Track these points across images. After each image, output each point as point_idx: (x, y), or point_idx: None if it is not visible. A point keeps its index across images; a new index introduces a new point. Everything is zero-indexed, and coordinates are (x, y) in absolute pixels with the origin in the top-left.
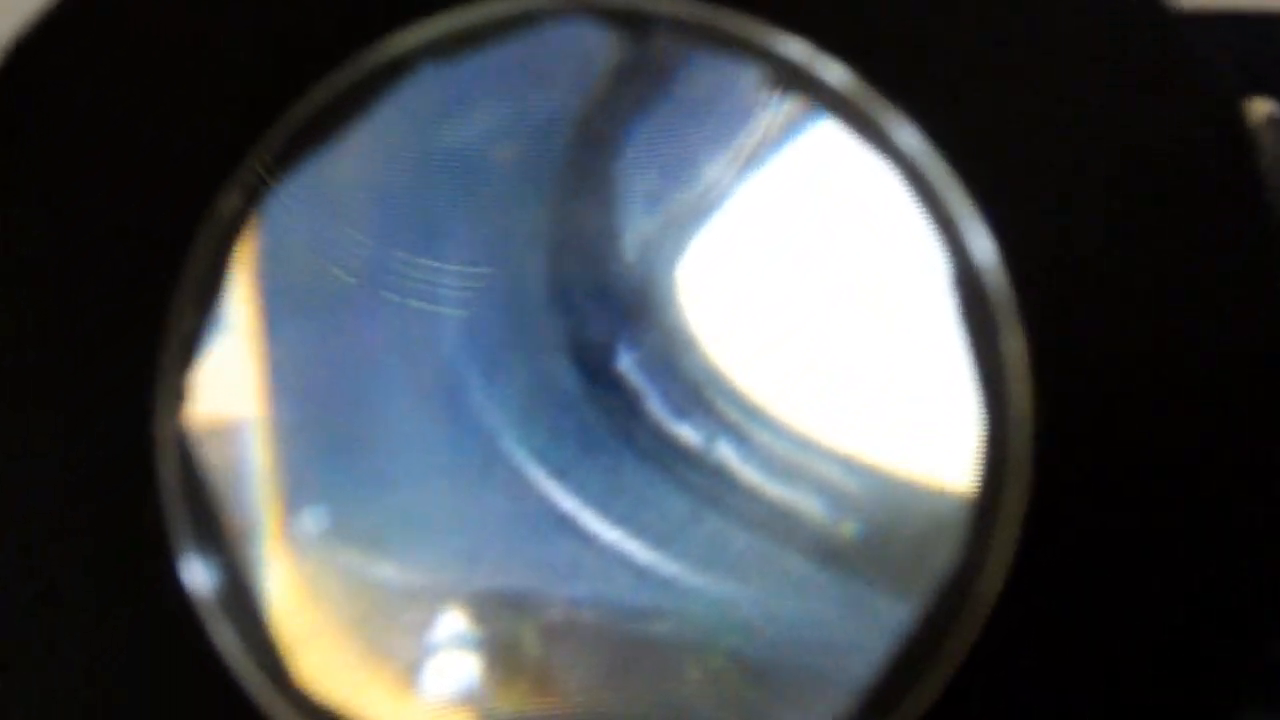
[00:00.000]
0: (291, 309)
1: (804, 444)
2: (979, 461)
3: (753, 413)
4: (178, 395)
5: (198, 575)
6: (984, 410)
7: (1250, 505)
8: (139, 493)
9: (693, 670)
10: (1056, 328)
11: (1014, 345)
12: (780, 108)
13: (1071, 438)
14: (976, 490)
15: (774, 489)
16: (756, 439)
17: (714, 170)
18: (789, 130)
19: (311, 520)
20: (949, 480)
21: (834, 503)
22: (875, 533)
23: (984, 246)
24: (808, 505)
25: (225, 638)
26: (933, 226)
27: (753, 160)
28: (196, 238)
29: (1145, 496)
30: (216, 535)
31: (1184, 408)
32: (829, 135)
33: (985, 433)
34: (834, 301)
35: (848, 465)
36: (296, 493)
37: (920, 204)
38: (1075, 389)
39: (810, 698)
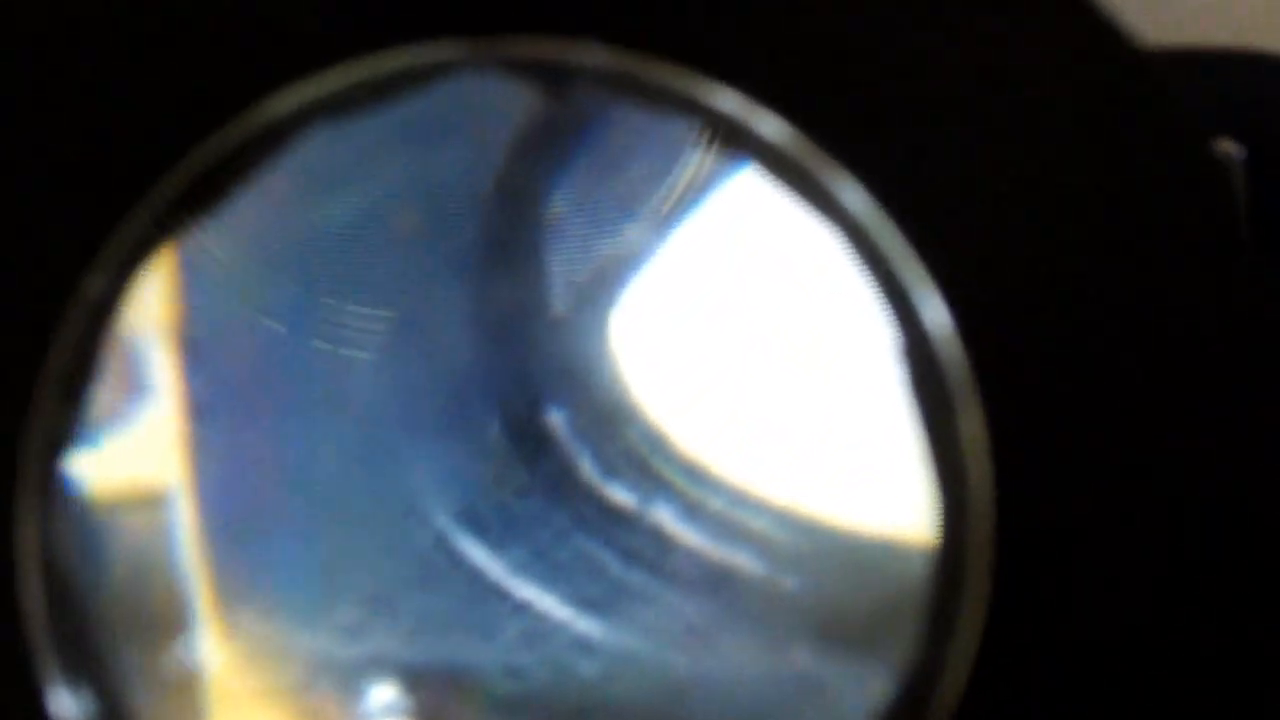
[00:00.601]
0: (216, 371)
1: (740, 499)
2: (935, 555)
3: (689, 469)
4: (42, 499)
5: (65, 707)
6: (939, 496)
7: (1235, 598)
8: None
9: None
10: (1018, 405)
11: (972, 424)
12: (708, 159)
13: (1037, 528)
14: (932, 586)
15: (712, 549)
16: (693, 497)
17: (642, 221)
18: (716, 180)
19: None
20: (900, 532)
21: (771, 559)
22: (817, 589)
23: (938, 316)
24: (746, 564)
25: None
26: (880, 294)
27: (680, 211)
28: (60, 323)
29: (1119, 591)
30: (89, 659)
31: (1162, 492)
32: (760, 187)
33: (941, 521)
34: (764, 354)
35: (783, 519)
36: (224, 562)
37: (867, 269)
38: (1040, 474)
39: None
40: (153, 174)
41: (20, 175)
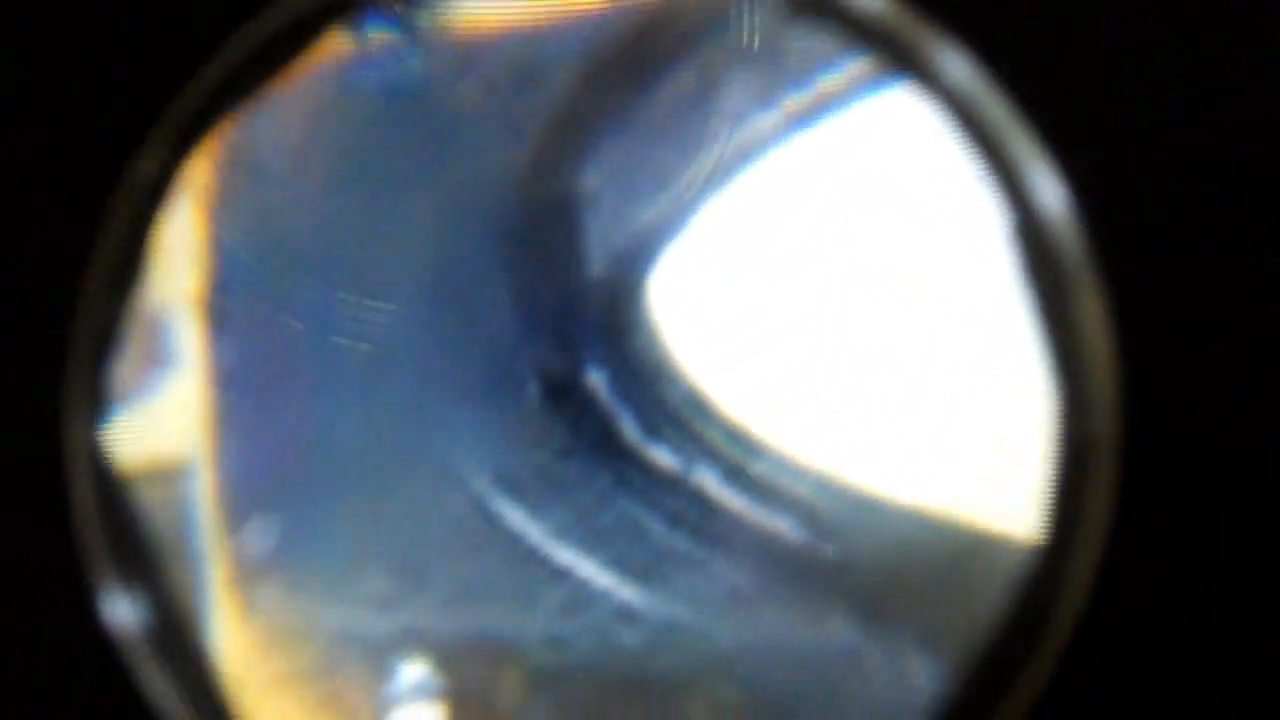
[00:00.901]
0: (243, 339)
1: (783, 464)
2: (1054, 452)
3: (731, 432)
4: (91, 398)
5: (122, 611)
6: (1059, 386)
7: None
8: (52, 515)
9: (694, 711)
10: (1140, 285)
11: (1091, 307)
12: (772, 110)
13: (1164, 415)
14: (1052, 485)
15: (755, 514)
16: (736, 460)
17: (676, 193)
18: (789, 125)
19: (259, 542)
20: (975, 509)
21: (813, 526)
22: (859, 560)
23: (1052, 194)
24: (788, 530)
25: (156, 683)
26: (989, 171)
27: (716, 181)
28: (111, 211)
29: (1252, 480)
30: (144, 564)
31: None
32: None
33: (1063, 413)
34: (849, 292)
35: (825, 486)
36: (244, 532)
37: (974, 146)
38: (1165, 357)
39: None
40: (194, 63)
41: (67, 71)
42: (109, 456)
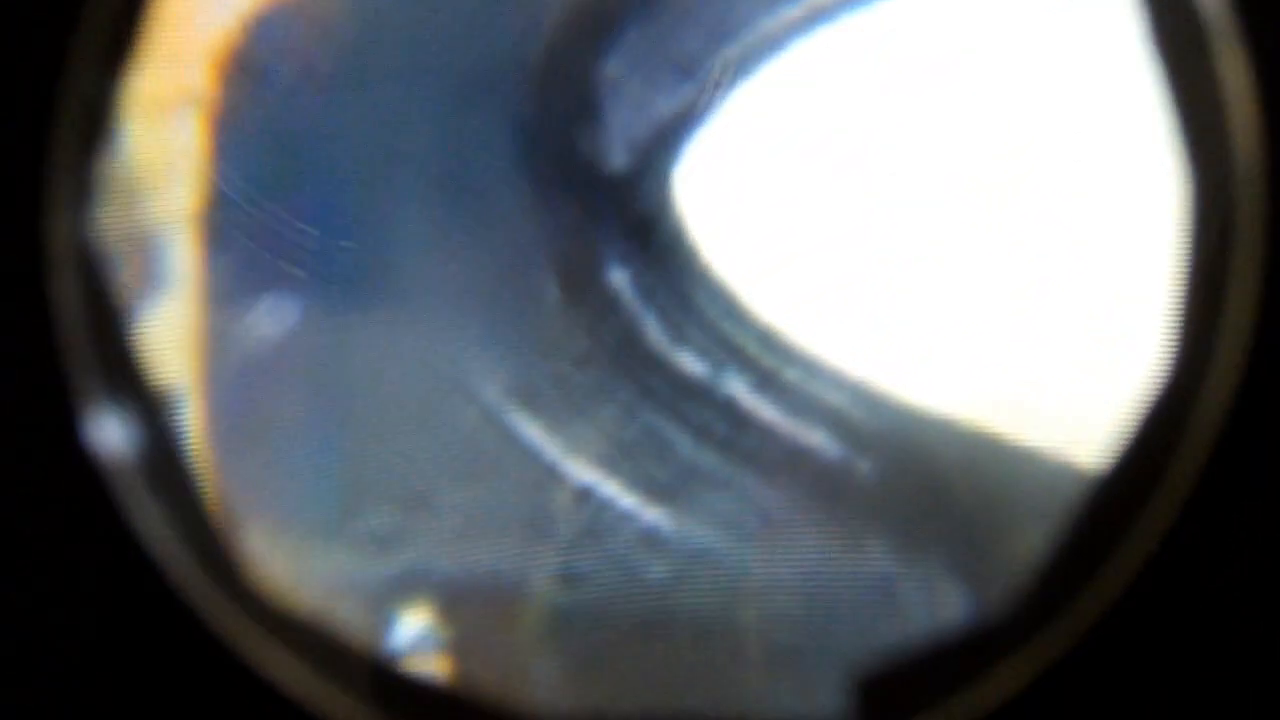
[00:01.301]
0: (239, 254)
1: (816, 370)
2: (1190, 231)
3: (763, 335)
4: (78, 189)
5: (110, 433)
6: (1195, 159)
7: None
8: (32, 326)
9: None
10: None
11: (1234, 69)
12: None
13: None
14: (1195, 260)
15: (787, 425)
16: (767, 366)
17: (701, 83)
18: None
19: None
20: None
21: (848, 440)
22: (894, 477)
23: None
24: (821, 443)
25: (147, 513)
26: None
27: (744, 70)
28: None
29: None
30: (135, 382)
31: None
32: None
33: (1200, 189)
34: (901, 178)
35: (860, 395)
36: (232, 470)
37: None
38: None
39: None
40: None
41: None
42: (97, 252)
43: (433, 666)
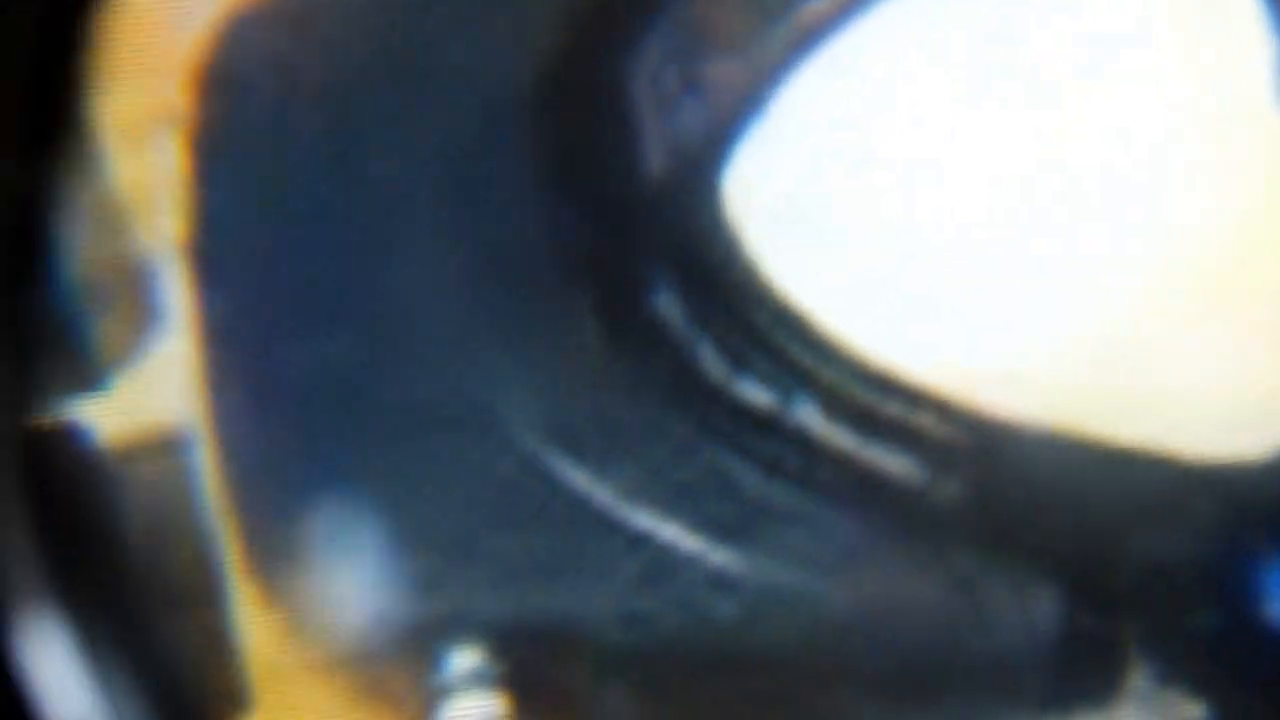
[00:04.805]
0: (236, 286)
1: (895, 391)
2: None
3: (834, 356)
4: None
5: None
6: None
7: None
8: None
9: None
10: None
11: None
12: None
13: None
14: None
15: (864, 452)
16: (840, 390)
17: (754, 66)
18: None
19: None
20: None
21: (932, 462)
22: (989, 497)
23: None
24: (902, 468)
25: None
26: None
27: (803, 49)
28: None
29: None
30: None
31: None
32: None
33: None
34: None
35: (946, 412)
36: (256, 511)
37: None
38: None
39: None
40: None
41: None
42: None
43: (485, 702)
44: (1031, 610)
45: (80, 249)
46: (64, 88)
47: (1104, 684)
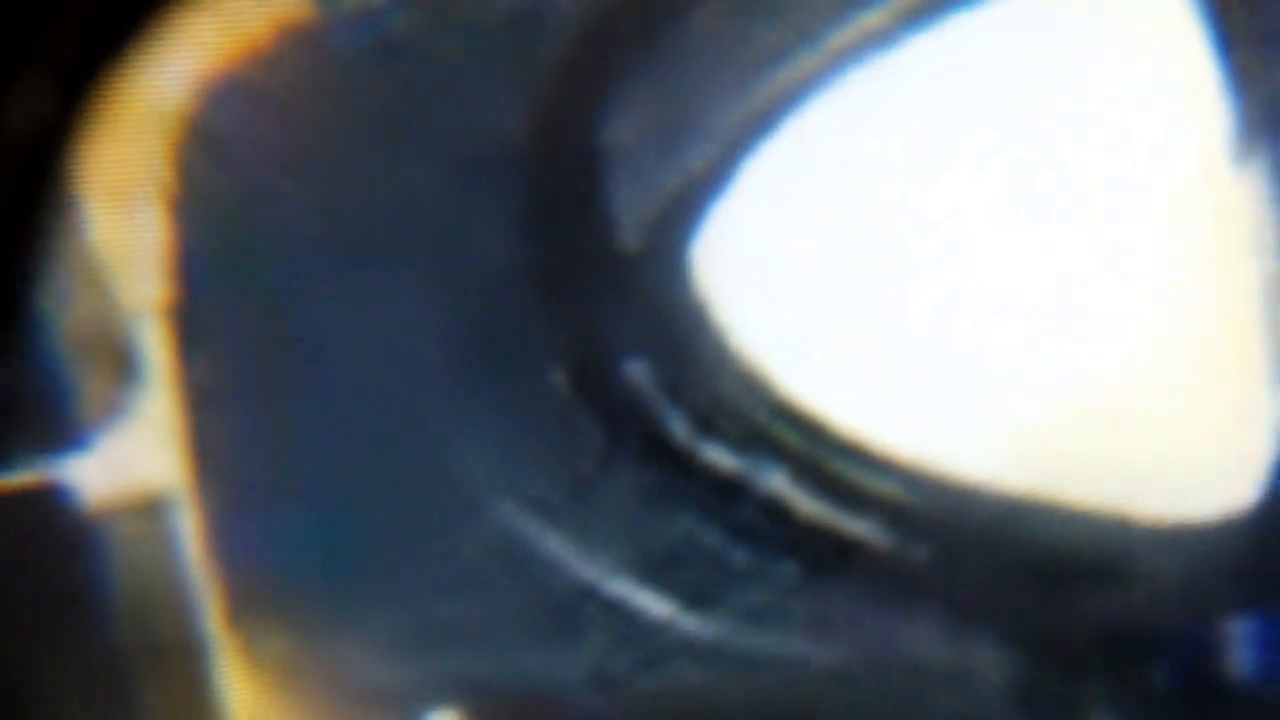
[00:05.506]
0: (217, 350)
1: (863, 459)
2: None
3: (802, 424)
4: None
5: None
6: None
7: None
8: None
9: None
10: None
11: None
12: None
13: None
14: None
15: (832, 518)
16: (808, 457)
17: (720, 140)
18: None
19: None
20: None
21: (900, 527)
22: (955, 560)
23: None
24: (871, 533)
25: None
26: None
27: (766, 122)
28: None
29: None
30: None
31: None
32: None
33: None
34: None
35: (914, 480)
36: (239, 572)
37: None
38: None
39: None
40: None
41: None
42: None
43: None
44: (995, 670)
45: (63, 309)
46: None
47: None
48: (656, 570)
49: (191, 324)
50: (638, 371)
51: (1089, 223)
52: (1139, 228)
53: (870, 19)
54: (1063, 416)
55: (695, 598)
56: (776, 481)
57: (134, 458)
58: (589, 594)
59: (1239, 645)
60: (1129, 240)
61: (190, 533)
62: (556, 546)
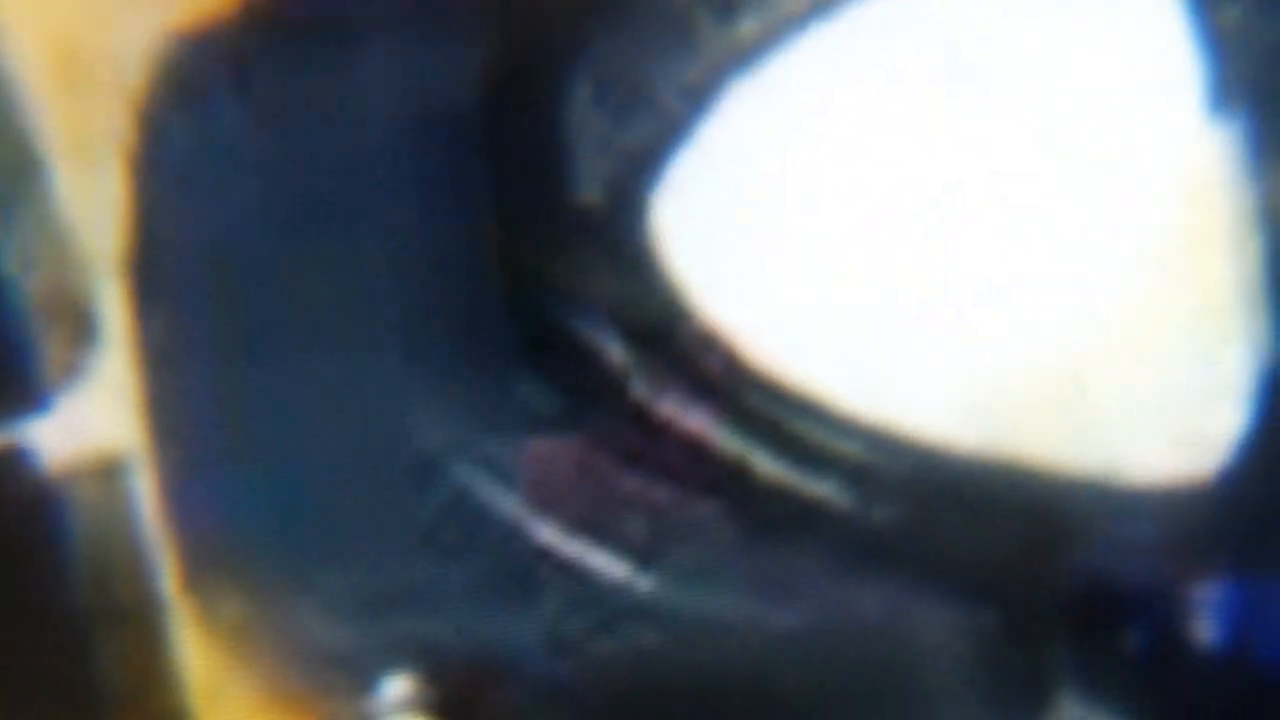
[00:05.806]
0: (175, 309)
1: (825, 419)
2: None
3: (764, 383)
4: None
5: None
6: None
7: None
8: None
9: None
10: None
11: None
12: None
13: None
14: None
15: (793, 479)
16: (768, 417)
17: (677, 96)
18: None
19: None
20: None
21: (862, 489)
22: (917, 521)
23: None
24: (832, 494)
25: None
26: None
27: (725, 77)
28: None
29: None
30: None
31: None
32: None
33: None
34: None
35: (877, 441)
36: (195, 535)
37: None
38: None
39: None
40: None
41: None
42: None
43: None
44: (958, 635)
45: (26, 271)
46: None
47: (1034, 706)
48: (611, 531)
49: (150, 285)
50: (596, 332)
51: (1057, 185)
52: (1109, 190)
53: None
54: (1029, 378)
55: (651, 559)
56: (735, 441)
57: (92, 419)
58: (544, 556)
59: (1207, 610)
60: (1099, 202)
61: (148, 495)
62: (513, 509)
